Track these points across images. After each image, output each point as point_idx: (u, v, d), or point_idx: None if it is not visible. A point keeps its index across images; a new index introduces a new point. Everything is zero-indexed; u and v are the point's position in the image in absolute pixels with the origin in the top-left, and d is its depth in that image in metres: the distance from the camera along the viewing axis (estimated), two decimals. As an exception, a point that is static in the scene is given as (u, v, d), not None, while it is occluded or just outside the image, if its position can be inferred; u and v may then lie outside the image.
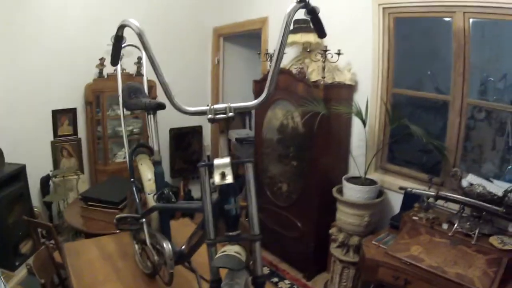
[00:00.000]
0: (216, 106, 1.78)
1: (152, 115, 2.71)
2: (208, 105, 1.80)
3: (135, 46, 2.95)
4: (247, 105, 1.88)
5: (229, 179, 1.70)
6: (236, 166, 1.80)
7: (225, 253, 1.70)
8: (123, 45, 2.39)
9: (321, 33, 2.10)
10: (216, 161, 1.72)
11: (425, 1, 4.76)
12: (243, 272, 1.69)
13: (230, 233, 1.78)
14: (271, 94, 1.83)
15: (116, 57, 2.35)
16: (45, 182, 6.80)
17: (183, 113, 1.83)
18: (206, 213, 1.76)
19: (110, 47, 2.40)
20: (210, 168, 1.77)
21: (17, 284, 5.40)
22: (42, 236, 5.74)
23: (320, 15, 2.00)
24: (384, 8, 5.23)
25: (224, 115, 1.78)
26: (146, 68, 3.50)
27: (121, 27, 2.10)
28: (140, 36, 1.78)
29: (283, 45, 1.77)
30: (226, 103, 1.80)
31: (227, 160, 1.72)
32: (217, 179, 1.70)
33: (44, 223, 5.02)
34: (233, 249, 1.71)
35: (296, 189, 5.80)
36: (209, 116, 1.78)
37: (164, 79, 1.79)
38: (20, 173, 5.99)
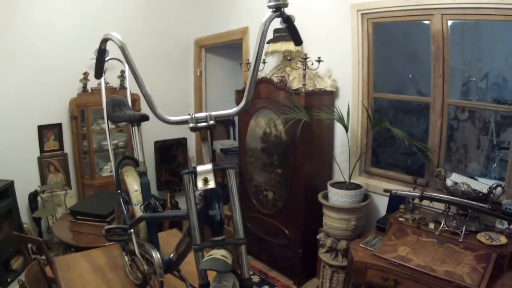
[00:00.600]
0: (197, 115, 1.82)
1: (136, 127, 2.74)
2: (189, 114, 1.83)
3: (118, 60, 2.97)
4: (227, 112, 1.91)
5: (212, 184, 1.74)
6: (221, 175, 1.84)
7: (211, 256, 1.73)
8: (106, 59, 2.42)
9: (297, 41, 2.14)
10: (199, 168, 1.75)
11: (403, 5, 4.80)
12: (230, 275, 1.72)
13: (216, 238, 1.81)
14: (249, 101, 1.86)
15: (99, 70, 2.39)
16: (33, 198, 6.78)
17: (165, 122, 1.87)
18: (192, 219, 1.79)
19: (93, 62, 2.43)
20: (194, 176, 1.80)
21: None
22: (32, 252, 5.76)
23: (299, 23, 2.04)
24: (362, 14, 5.27)
25: (205, 123, 1.82)
26: (129, 81, 3.52)
27: (104, 41, 2.13)
28: (122, 49, 1.82)
29: (259, 53, 1.81)
30: (207, 112, 1.84)
31: (209, 166, 1.76)
32: (200, 184, 1.73)
33: (34, 238, 5.03)
34: (219, 253, 1.75)
35: (282, 197, 5.82)
36: (191, 124, 1.82)
37: (147, 91, 1.83)
38: (8, 189, 5.99)
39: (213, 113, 1.84)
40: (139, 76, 1.83)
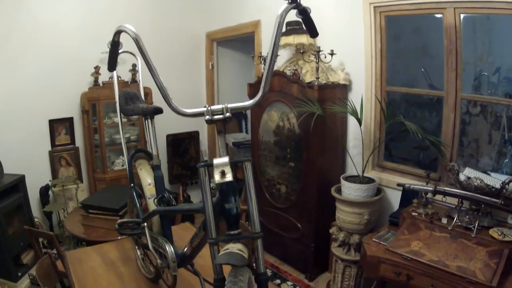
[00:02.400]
0: (213, 107, 1.81)
1: (149, 120, 2.74)
2: (205, 107, 1.82)
3: (131, 53, 2.97)
4: (244, 105, 1.90)
5: (229, 177, 1.72)
6: (235, 169, 1.82)
7: (227, 250, 1.72)
8: (119, 52, 2.41)
9: (313, 33, 2.13)
10: (216, 161, 1.74)
11: (416, -2, 4.79)
12: (246, 269, 1.71)
13: (232, 232, 1.80)
14: (266, 94, 1.86)
15: (113, 63, 2.38)
16: (44, 192, 6.80)
17: (181, 115, 1.85)
18: (207, 213, 1.78)
19: (105, 56, 2.43)
20: (209, 168, 1.79)
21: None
22: (43, 246, 5.76)
23: (312, 15, 2.02)
24: (375, 7, 5.24)
25: (221, 116, 1.81)
26: (142, 75, 3.51)
27: (117, 33, 2.12)
28: (136, 41, 1.81)
29: (276, 45, 1.80)
30: (223, 104, 1.82)
31: (226, 159, 1.74)
32: (217, 177, 1.72)
33: (45, 232, 5.03)
34: (235, 247, 1.73)
35: (295, 190, 5.81)
36: (207, 117, 1.80)
37: (162, 83, 1.83)
38: (19, 183, 6.00)
39: (229, 105, 1.83)
40: (154, 68, 1.83)
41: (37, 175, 6.72)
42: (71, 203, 6.60)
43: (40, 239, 5.62)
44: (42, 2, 6.63)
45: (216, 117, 1.81)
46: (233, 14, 7.81)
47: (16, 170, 6.10)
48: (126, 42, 2.35)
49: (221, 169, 1.72)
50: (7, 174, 5.94)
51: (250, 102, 1.90)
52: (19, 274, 5.64)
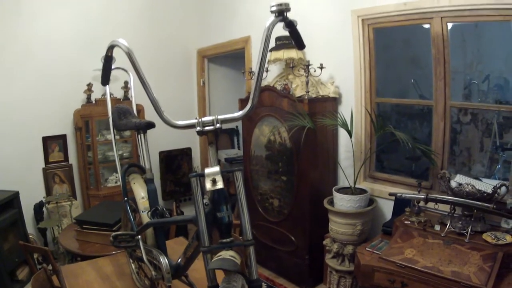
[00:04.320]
0: (204, 118, 1.84)
1: (142, 135, 2.77)
2: (196, 118, 1.85)
3: (123, 69, 3.00)
4: (234, 116, 1.94)
5: (220, 184, 1.75)
6: (227, 183, 1.85)
7: (220, 256, 1.74)
8: (112, 67, 2.44)
9: (300, 45, 2.17)
10: (207, 170, 1.77)
11: (402, 9, 4.82)
12: (239, 276, 1.73)
13: (224, 240, 1.83)
14: (255, 104, 1.89)
15: (106, 77, 2.41)
16: (38, 208, 6.82)
17: (172, 127, 1.88)
18: (200, 221, 1.80)
19: (97, 73, 2.46)
20: (201, 178, 1.82)
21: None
22: (38, 262, 5.77)
23: (300, 29, 2.06)
24: (363, 20, 5.29)
25: (212, 127, 1.84)
26: (134, 91, 3.54)
27: (111, 47, 2.15)
28: (129, 55, 1.84)
29: (264, 56, 1.83)
30: (213, 116, 1.86)
31: (217, 168, 1.78)
32: (208, 185, 1.75)
33: (41, 247, 5.06)
34: (228, 253, 1.76)
35: (287, 204, 5.82)
36: (198, 128, 1.84)
37: (154, 96, 1.86)
38: (13, 200, 6.02)
39: (220, 117, 1.86)
40: (146, 81, 1.86)
41: (31, 191, 6.72)
42: (65, 220, 6.60)
43: (35, 255, 5.63)
44: (35, 20, 6.68)
45: (207, 128, 1.84)
46: (224, 30, 7.86)
47: (10, 187, 6.12)
48: (118, 59, 2.38)
49: (212, 177, 1.75)
50: (1, 190, 5.97)
51: (240, 113, 1.93)
52: (14, 290, 5.64)
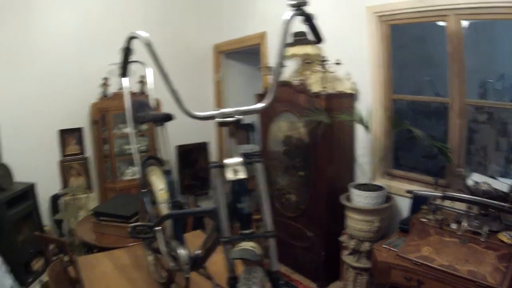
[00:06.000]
0: (224, 110, 1.84)
1: (160, 127, 2.77)
2: (217, 110, 1.85)
3: (140, 62, 3.00)
4: (254, 107, 1.94)
5: (242, 174, 1.76)
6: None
7: (241, 247, 1.74)
8: (130, 62, 2.44)
9: (318, 38, 2.16)
10: (228, 161, 1.77)
11: (418, 6, 4.80)
12: (258, 268, 1.74)
13: (245, 231, 1.83)
14: (275, 97, 1.90)
15: (125, 69, 2.40)
16: (54, 200, 6.87)
17: (193, 118, 1.88)
18: (221, 212, 1.80)
19: (113, 68, 2.45)
20: (222, 169, 1.82)
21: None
22: (53, 254, 5.80)
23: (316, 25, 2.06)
24: (378, 16, 5.29)
25: (233, 118, 1.83)
26: (151, 84, 3.54)
27: (129, 39, 2.15)
28: (148, 46, 1.84)
29: (283, 48, 1.84)
30: (233, 107, 1.85)
31: (238, 159, 1.78)
32: (230, 175, 1.75)
33: (57, 239, 5.11)
34: (248, 244, 1.76)
35: (304, 199, 5.81)
36: (218, 119, 1.83)
37: (174, 86, 1.85)
38: (29, 191, 6.08)
39: (240, 108, 1.86)
40: (166, 72, 1.85)
41: (47, 183, 6.78)
42: (81, 212, 6.63)
43: (50, 247, 5.65)
44: (50, 15, 6.75)
45: (227, 119, 1.83)
46: (239, 26, 7.89)
47: (27, 178, 6.20)
48: (135, 53, 2.38)
49: (234, 167, 1.75)
50: (17, 182, 6.03)
51: (260, 105, 1.93)
52: (29, 280, 5.71)
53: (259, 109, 1.95)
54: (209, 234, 2.27)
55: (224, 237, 1.79)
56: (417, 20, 4.99)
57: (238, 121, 1.86)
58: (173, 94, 1.86)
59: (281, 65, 1.89)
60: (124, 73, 2.47)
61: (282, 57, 1.87)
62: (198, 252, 2.41)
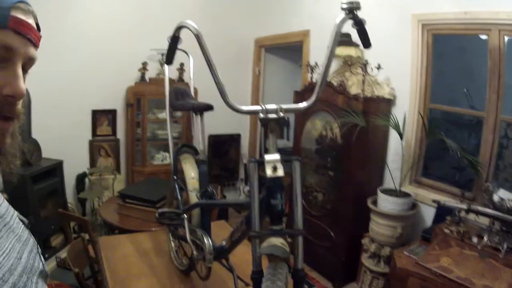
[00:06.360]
0: (268, 106, 1.85)
1: (199, 116, 2.80)
2: (260, 106, 1.88)
3: (184, 51, 3.03)
4: (298, 106, 1.95)
5: (280, 172, 1.77)
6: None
7: (272, 243, 1.77)
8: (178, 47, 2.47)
9: (367, 44, 2.18)
10: (267, 157, 1.79)
11: (463, 18, 4.79)
12: (284, 264, 1.75)
13: (275, 227, 1.85)
14: (319, 98, 1.90)
15: (171, 56, 2.44)
16: (81, 179, 6.97)
17: (236, 111, 1.89)
18: (253, 206, 1.82)
19: (152, 53, 2.48)
20: (259, 165, 1.84)
21: (46, 277, 5.51)
22: (74, 232, 5.86)
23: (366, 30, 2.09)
24: (423, 25, 5.28)
25: (276, 115, 1.86)
26: (192, 73, 3.56)
27: (178, 28, 2.17)
28: (197, 36, 1.86)
29: (333, 51, 1.85)
30: (277, 105, 1.88)
31: (277, 156, 1.79)
32: (268, 171, 1.76)
33: (79, 217, 5.15)
34: (278, 241, 1.78)
35: (331, 199, 5.85)
36: (262, 115, 1.86)
37: (220, 79, 1.89)
38: (56, 168, 6.18)
39: (284, 106, 1.87)
40: (213, 64, 1.89)
41: (75, 162, 6.88)
42: (106, 193, 6.72)
43: (72, 224, 5.71)
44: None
45: (270, 116, 1.87)
46: (283, 22, 7.87)
47: (56, 155, 6.28)
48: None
49: (273, 164, 1.77)
50: (46, 158, 6.10)
51: (304, 104, 1.94)
52: (47, 255, 5.77)
53: (302, 108, 1.96)
54: (238, 227, 2.28)
55: (254, 231, 1.81)
56: (460, 32, 4.99)
57: (280, 118, 1.88)
58: (219, 86, 1.88)
59: (329, 67, 1.89)
60: (170, 60, 2.50)
61: (331, 59, 1.87)
62: (223, 243, 2.43)
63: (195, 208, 2.71)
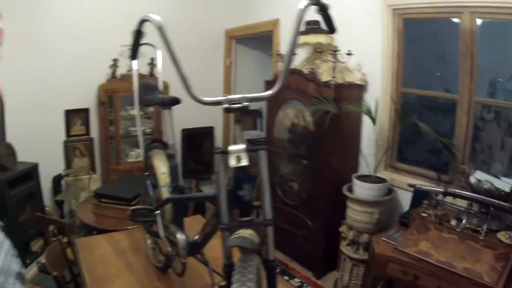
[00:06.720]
0: (231, 96, 1.83)
1: (167, 110, 2.77)
2: (224, 96, 1.84)
3: (151, 45, 3.00)
4: (261, 95, 1.92)
5: (245, 162, 1.75)
6: (250, 165, 1.84)
7: (239, 234, 1.75)
8: (141, 43, 2.44)
9: (332, 29, 2.16)
10: (232, 147, 1.76)
11: (433, 2, 4.80)
12: (255, 256, 1.74)
13: (244, 219, 1.83)
14: (283, 86, 1.88)
15: (135, 51, 2.40)
16: (57, 181, 6.87)
17: (200, 103, 1.85)
18: (221, 199, 1.80)
19: (123, 49, 2.45)
20: (225, 155, 1.81)
21: (28, 282, 5.45)
22: (53, 235, 5.80)
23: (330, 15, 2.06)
24: (393, 9, 5.27)
25: (239, 105, 1.83)
26: (160, 67, 3.54)
27: (141, 22, 2.15)
28: (160, 29, 1.82)
29: (295, 38, 1.82)
30: (241, 94, 1.85)
31: (242, 146, 1.77)
32: (232, 162, 1.74)
33: (57, 220, 5.11)
34: (246, 232, 1.76)
35: (307, 188, 5.83)
36: (225, 105, 1.83)
37: (184, 72, 1.84)
38: (32, 171, 6.07)
39: (247, 95, 1.85)
40: (176, 56, 1.83)
41: (50, 164, 6.78)
42: (83, 193, 6.66)
43: (51, 228, 5.66)
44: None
45: (234, 106, 1.83)
46: (253, 12, 7.87)
47: (30, 158, 6.16)
48: (146, 35, 2.37)
49: (237, 154, 1.75)
50: (21, 162, 5.99)
51: (268, 92, 1.91)
52: (28, 261, 5.73)
53: (266, 96, 1.93)
54: (208, 220, 2.28)
55: (223, 223, 1.79)
56: (431, 16, 4.99)
57: (244, 108, 1.85)
58: (182, 79, 1.84)
59: (292, 54, 1.86)
60: (134, 55, 2.47)
61: (294, 46, 1.84)
62: (196, 237, 2.41)
63: (167, 204, 2.68)
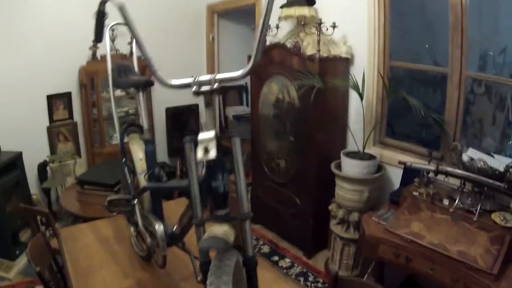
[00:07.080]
0: (200, 78, 1.71)
1: (142, 92, 2.67)
2: (192, 77, 1.72)
3: (121, 24, 2.90)
4: (232, 75, 1.76)
5: (212, 154, 1.60)
6: (227, 142, 1.74)
7: (212, 234, 1.64)
8: (110, 25, 2.35)
9: (311, 0, 2.05)
10: (200, 136, 1.63)
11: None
12: (232, 252, 1.64)
13: (219, 212, 1.73)
14: (257, 63, 1.71)
15: (99, 33, 2.31)
16: (42, 168, 6.79)
17: (166, 86, 1.76)
18: (193, 193, 1.71)
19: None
20: (195, 145, 1.68)
21: (17, 273, 5.42)
22: (41, 223, 5.71)
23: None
24: (379, -20, 5.16)
25: (209, 87, 1.71)
26: (134, 47, 3.45)
27: (103, 2, 2.04)
28: (121, 9, 1.70)
29: (269, 9, 1.67)
30: (210, 74, 1.72)
31: (211, 134, 1.63)
32: (199, 154, 1.61)
33: (40, 210, 4.99)
34: (221, 229, 1.66)
35: (294, 165, 5.77)
36: (194, 88, 1.71)
37: (148, 54, 1.74)
38: (16, 160, 5.96)
39: (218, 76, 1.71)
40: (139, 38, 1.74)
41: (35, 151, 6.69)
42: (69, 179, 6.59)
43: (39, 217, 5.58)
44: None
45: (203, 88, 1.71)
46: (235, -15, 7.67)
47: (14, 147, 6.06)
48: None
49: (205, 145, 1.61)
50: (4, 151, 5.91)
51: (239, 72, 1.74)
52: (17, 252, 5.66)
53: (238, 77, 1.76)
54: (184, 211, 2.18)
55: (196, 219, 1.69)
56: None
57: (214, 90, 1.72)
58: (147, 62, 1.74)
59: (265, 29, 1.69)
60: (99, 37, 2.36)
61: (267, 20, 1.68)
62: (175, 228, 2.32)
63: (143, 193, 2.60)
